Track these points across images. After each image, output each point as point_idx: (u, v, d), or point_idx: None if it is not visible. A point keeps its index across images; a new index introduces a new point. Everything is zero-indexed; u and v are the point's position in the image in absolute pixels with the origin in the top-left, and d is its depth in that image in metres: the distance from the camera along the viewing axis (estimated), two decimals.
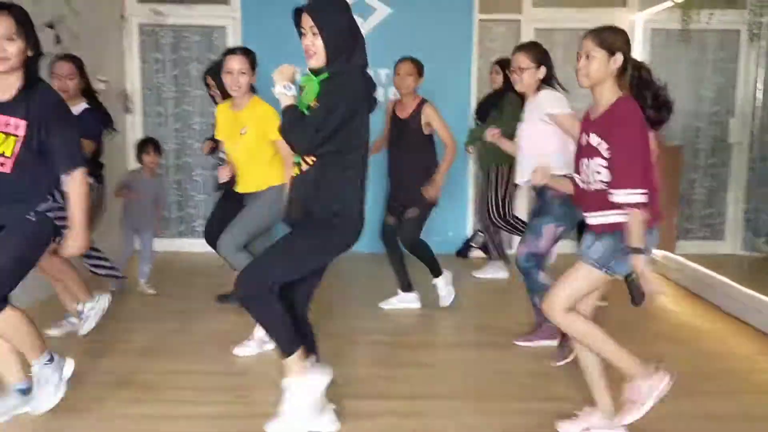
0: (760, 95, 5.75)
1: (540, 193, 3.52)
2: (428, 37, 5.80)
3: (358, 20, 5.76)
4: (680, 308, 4.53)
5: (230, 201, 3.96)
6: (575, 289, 2.52)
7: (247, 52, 3.52)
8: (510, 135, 3.80)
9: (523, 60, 3.54)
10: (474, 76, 5.99)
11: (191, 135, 6.17)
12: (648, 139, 2.43)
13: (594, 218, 2.51)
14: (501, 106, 4.95)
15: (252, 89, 3.60)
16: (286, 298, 2.56)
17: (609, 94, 2.47)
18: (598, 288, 2.60)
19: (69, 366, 2.79)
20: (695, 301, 4.68)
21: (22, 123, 2.49)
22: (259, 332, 3.51)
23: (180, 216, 6.27)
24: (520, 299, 4.13)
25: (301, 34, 2.45)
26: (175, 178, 6.23)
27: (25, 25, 2.50)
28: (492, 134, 3.70)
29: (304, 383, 2.56)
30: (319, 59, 2.42)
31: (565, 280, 2.53)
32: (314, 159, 2.47)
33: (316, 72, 2.48)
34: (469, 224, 6.22)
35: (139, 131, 6.03)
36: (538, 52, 3.58)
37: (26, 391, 2.74)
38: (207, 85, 4.32)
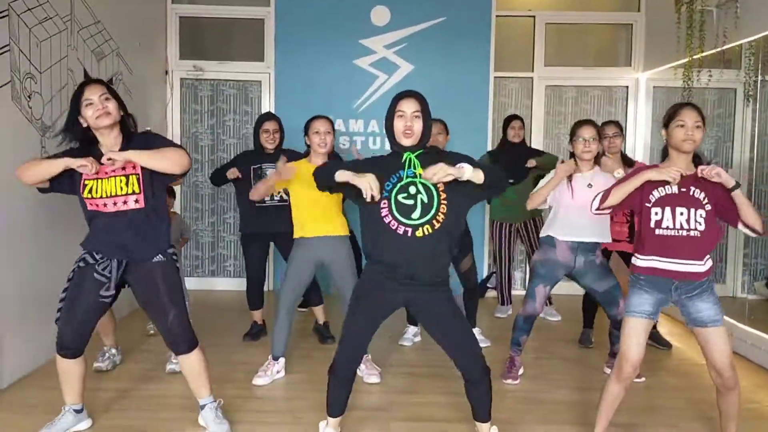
0: (754, 148, 6.15)
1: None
2: (447, 93, 6.26)
3: (383, 76, 6.30)
4: (683, 345, 4.87)
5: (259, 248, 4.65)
6: None
7: (329, 118, 3.94)
8: None
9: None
10: (490, 129, 6.43)
11: None
12: None
13: (698, 266, 2.87)
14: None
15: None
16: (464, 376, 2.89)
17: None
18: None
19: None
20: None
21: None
22: (274, 366, 3.99)
23: (212, 256, 6.67)
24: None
25: (395, 117, 2.78)
26: (210, 220, 6.66)
27: (112, 92, 2.94)
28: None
29: None
30: (416, 139, 2.78)
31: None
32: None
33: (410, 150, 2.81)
34: (484, 266, 6.57)
35: None
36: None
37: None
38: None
